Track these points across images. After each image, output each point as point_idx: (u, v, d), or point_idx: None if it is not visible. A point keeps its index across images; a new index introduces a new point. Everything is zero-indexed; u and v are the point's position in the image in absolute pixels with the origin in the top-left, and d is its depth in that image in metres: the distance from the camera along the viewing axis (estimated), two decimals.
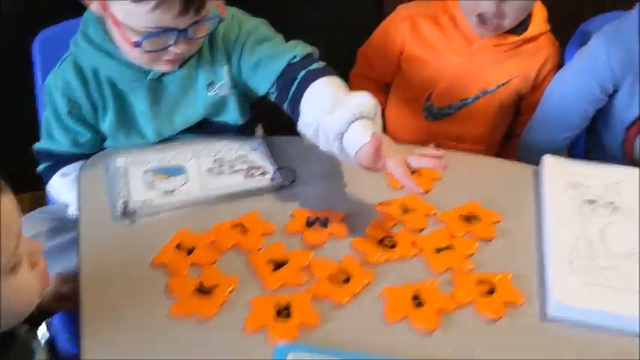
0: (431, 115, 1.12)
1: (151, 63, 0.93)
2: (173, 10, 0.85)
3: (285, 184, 0.94)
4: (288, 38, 0.98)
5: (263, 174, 0.95)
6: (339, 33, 1.41)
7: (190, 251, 0.81)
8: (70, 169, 1.02)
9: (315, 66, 0.91)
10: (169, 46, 0.89)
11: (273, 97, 0.96)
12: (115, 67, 0.95)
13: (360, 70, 1.23)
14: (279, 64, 0.93)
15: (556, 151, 1.07)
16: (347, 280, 0.77)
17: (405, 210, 0.88)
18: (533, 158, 1.01)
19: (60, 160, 1.02)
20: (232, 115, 1.01)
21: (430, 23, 1.11)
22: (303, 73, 0.91)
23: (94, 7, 0.91)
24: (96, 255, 0.82)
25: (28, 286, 0.63)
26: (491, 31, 1.05)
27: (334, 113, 0.82)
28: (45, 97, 1.01)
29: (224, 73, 0.98)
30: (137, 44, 0.87)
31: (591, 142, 1.15)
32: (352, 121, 0.80)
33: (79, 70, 0.97)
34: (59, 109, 0.98)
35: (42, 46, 1.12)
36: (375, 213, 0.89)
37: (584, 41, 1.10)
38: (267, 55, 0.95)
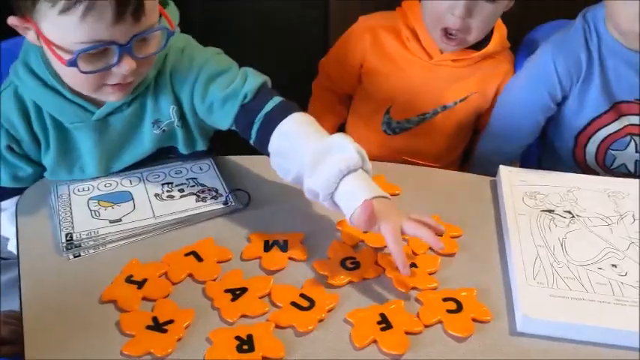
0: (390, 129, 1.11)
1: (96, 89, 0.85)
2: (105, 17, 0.76)
3: (240, 207, 0.90)
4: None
5: (215, 197, 0.91)
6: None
7: (141, 284, 0.76)
8: (8, 204, 0.95)
9: (271, 105, 0.86)
10: (112, 65, 0.80)
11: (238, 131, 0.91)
12: (57, 104, 0.88)
13: (321, 81, 1.21)
14: (232, 108, 0.88)
15: (510, 160, 1.08)
16: (310, 306, 0.74)
17: None
18: (487, 168, 1.00)
19: None
20: (181, 145, 0.96)
21: (391, 35, 1.09)
22: (261, 116, 0.85)
23: (30, 37, 0.82)
24: (39, 293, 0.76)
25: None
26: (455, 46, 1.04)
27: (318, 171, 0.77)
28: None
29: (171, 113, 0.92)
30: (71, 62, 0.78)
31: (543, 149, 1.16)
32: (340, 180, 0.76)
33: (21, 103, 0.89)
34: None
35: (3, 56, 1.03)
36: (335, 233, 0.86)
37: (531, 50, 1.11)
38: (218, 98, 0.88)
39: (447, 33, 1.02)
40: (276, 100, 0.87)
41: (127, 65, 0.80)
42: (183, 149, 0.97)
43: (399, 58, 1.09)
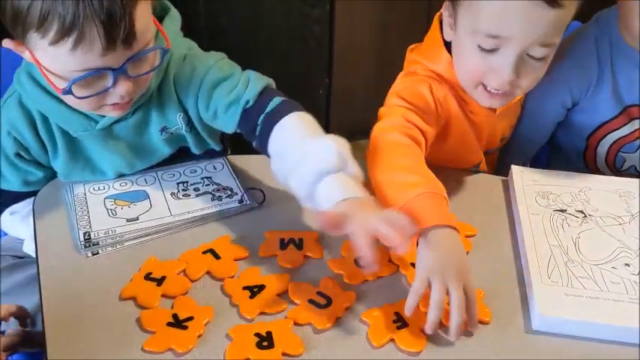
0: None
1: (95, 109, 0.84)
2: (95, 47, 0.74)
3: (254, 205, 0.91)
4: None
5: (230, 196, 0.92)
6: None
7: (160, 281, 0.77)
8: (19, 207, 0.96)
9: (271, 106, 0.85)
10: (108, 88, 0.79)
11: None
12: (62, 113, 0.87)
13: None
14: (235, 113, 0.87)
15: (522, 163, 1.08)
16: (328, 304, 0.75)
17: None
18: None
19: (9, 198, 0.96)
20: (192, 146, 0.97)
21: (449, 97, 0.95)
22: (261, 117, 0.85)
23: (26, 57, 0.81)
24: (59, 291, 0.76)
25: None
26: (502, 101, 0.92)
27: (298, 172, 0.76)
28: None
29: (178, 120, 0.92)
30: (65, 91, 0.78)
31: (552, 151, 1.16)
32: (317, 182, 0.75)
33: (26, 111, 0.89)
34: (6, 149, 0.91)
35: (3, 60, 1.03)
36: None
37: None
38: (222, 104, 0.88)
39: (488, 89, 0.89)
40: (277, 100, 0.86)
41: (124, 87, 0.80)
42: (195, 150, 0.97)
43: (463, 118, 0.96)
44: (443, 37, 0.94)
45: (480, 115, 0.96)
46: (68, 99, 0.82)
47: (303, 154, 0.77)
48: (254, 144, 0.89)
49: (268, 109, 0.85)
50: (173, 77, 0.90)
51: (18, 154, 0.91)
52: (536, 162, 1.18)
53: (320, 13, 1.80)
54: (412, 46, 1.01)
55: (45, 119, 0.89)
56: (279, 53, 1.79)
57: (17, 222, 0.95)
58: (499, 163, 1.12)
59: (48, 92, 0.86)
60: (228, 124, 0.90)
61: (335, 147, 0.77)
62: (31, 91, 0.87)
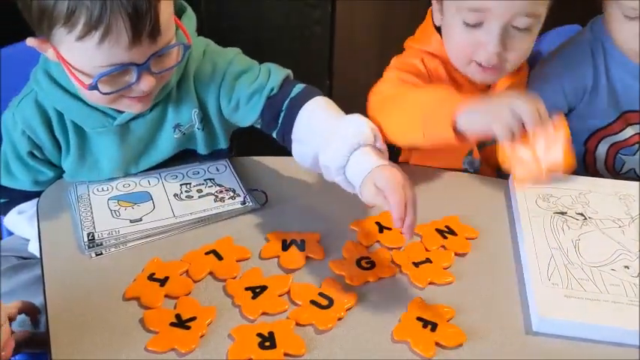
0: (472, 168, 1.05)
1: (116, 104, 0.86)
2: (122, 41, 0.76)
3: (257, 207, 0.91)
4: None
5: (233, 197, 0.93)
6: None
7: (163, 282, 0.78)
8: (27, 207, 0.97)
9: (295, 91, 0.89)
10: (131, 84, 0.81)
11: (259, 127, 0.94)
12: (79, 110, 0.88)
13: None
14: (259, 102, 0.91)
15: None
16: (329, 304, 0.76)
17: (381, 228, 0.88)
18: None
19: (18, 197, 0.97)
20: (200, 146, 0.98)
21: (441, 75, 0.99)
22: (286, 103, 0.88)
23: (49, 55, 0.82)
24: (63, 291, 0.77)
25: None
26: (494, 76, 0.95)
27: (331, 146, 0.79)
28: (2, 132, 0.94)
29: (193, 117, 0.93)
30: (92, 87, 0.79)
31: None
32: (351, 154, 0.78)
33: (41, 110, 0.89)
34: (19, 148, 0.92)
35: (3, 63, 1.05)
36: (349, 233, 0.88)
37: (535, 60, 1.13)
38: (244, 95, 0.91)
39: (481, 64, 0.92)
40: (300, 86, 0.90)
41: (147, 83, 0.81)
42: (202, 150, 0.98)
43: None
44: (434, 23, 0.97)
45: (469, 93, 0.96)
46: (92, 95, 0.83)
47: (336, 129, 0.81)
48: (274, 133, 0.92)
49: (293, 94, 0.89)
50: (193, 73, 0.92)
51: (31, 153, 0.92)
52: None
53: (321, 14, 1.80)
54: (409, 38, 1.05)
55: (61, 117, 0.90)
56: (279, 54, 1.79)
57: (24, 221, 0.96)
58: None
59: (65, 90, 0.87)
60: (250, 115, 0.92)
61: (368, 122, 0.81)
62: (47, 89, 0.88)
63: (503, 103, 0.79)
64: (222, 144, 0.99)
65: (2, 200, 0.98)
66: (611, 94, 1.02)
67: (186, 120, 0.93)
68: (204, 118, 0.95)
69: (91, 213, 0.88)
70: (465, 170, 1.04)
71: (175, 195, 0.92)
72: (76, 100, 0.87)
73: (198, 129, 0.95)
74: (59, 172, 0.95)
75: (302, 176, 0.99)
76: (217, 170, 0.99)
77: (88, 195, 0.91)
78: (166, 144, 0.95)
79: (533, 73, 1.07)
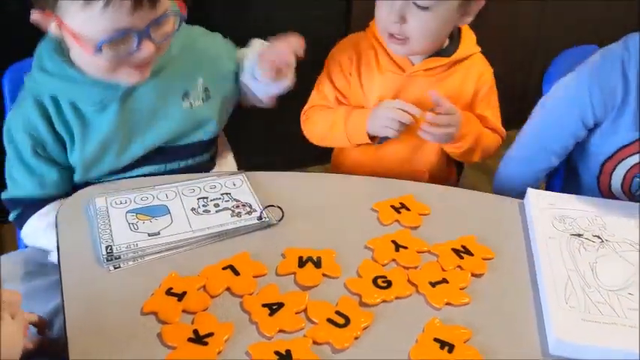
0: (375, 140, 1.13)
1: (117, 72, 0.91)
2: (125, 5, 0.83)
3: (273, 222, 0.92)
4: None
5: (249, 213, 0.93)
6: None
7: (181, 297, 0.78)
8: (46, 210, 0.98)
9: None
10: (133, 51, 0.88)
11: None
12: (80, 89, 0.93)
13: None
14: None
15: (533, 184, 1.09)
16: (346, 323, 0.76)
17: (397, 247, 0.88)
18: (510, 191, 1.02)
19: (27, 206, 0.98)
20: (203, 130, 1.03)
21: (371, 52, 1.12)
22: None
23: (52, 29, 0.89)
24: (81, 304, 0.77)
25: (13, 337, 0.61)
26: (402, 47, 1.06)
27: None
28: (5, 140, 0.96)
29: (198, 85, 1.00)
30: (97, 50, 0.86)
31: (567, 175, 1.17)
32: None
33: (39, 105, 0.94)
34: (21, 148, 0.95)
35: (12, 79, 1.07)
36: (365, 251, 0.88)
37: (557, 76, 1.13)
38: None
39: (391, 35, 1.05)
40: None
41: (147, 49, 0.88)
42: (209, 129, 1.03)
43: (376, 72, 1.11)
44: None
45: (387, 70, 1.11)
46: (94, 64, 0.89)
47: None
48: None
49: None
50: (201, 46, 1.03)
51: (34, 151, 0.94)
52: (551, 186, 1.18)
53: (335, 14, 1.81)
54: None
55: (59, 109, 0.94)
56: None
57: (41, 231, 0.97)
58: (508, 169, 1.13)
59: (61, 77, 0.93)
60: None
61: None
62: (42, 80, 0.93)
63: (377, 110, 1.06)
64: (223, 123, 1.08)
65: (15, 213, 0.99)
66: (636, 111, 1.01)
67: (193, 88, 1.01)
68: (207, 91, 1.02)
69: (109, 226, 0.89)
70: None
71: (193, 209, 0.93)
72: (74, 82, 0.93)
73: (203, 100, 1.02)
74: (64, 174, 0.97)
75: (318, 192, 1.00)
76: (234, 185, 0.99)
77: (107, 208, 0.92)
78: (175, 114, 0.99)
79: (561, 80, 1.08)
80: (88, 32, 0.85)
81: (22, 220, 1.00)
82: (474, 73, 1.12)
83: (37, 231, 0.98)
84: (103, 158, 0.98)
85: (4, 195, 0.99)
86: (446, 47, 1.10)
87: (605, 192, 1.10)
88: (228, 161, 1.13)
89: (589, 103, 1.02)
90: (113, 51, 0.87)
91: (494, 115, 1.15)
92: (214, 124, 1.04)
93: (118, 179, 1.00)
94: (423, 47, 1.07)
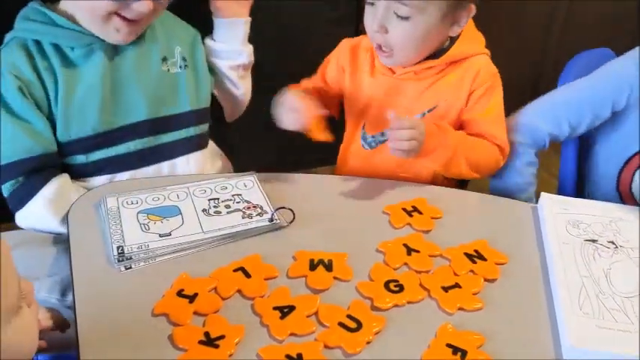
0: (366, 144, 1.10)
1: (109, 23, 0.94)
2: None
3: (284, 224, 0.91)
4: None
5: (260, 214, 0.93)
6: None
7: (192, 298, 0.78)
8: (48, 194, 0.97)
9: None
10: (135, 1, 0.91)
11: None
12: (65, 33, 0.96)
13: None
14: None
15: (542, 148, 1.10)
16: (357, 327, 0.75)
17: (409, 251, 0.87)
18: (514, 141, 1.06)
19: (26, 169, 0.95)
20: (184, 98, 1.05)
21: (366, 54, 1.10)
22: None
23: None
24: (93, 304, 0.77)
25: (31, 327, 0.61)
26: (389, 59, 1.03)
27: None
28: None
29: (176, 53, 1.04)
30: None
31: (586, 177, 1.16)
32: None
33: (23, 47, 0.96)
34: (6, 93, 0.94)
35: None
36: (376, 254, 0.87)
37: (572, 77, 1.13)
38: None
39: (379, 46, 1.02)
40: None
41: (145, 5, 0.92)
42: (186, 102, 1.05)
43: (368, 74, 1.09)
44: None
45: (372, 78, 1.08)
46: (87, 5, 0.93)
47: None
48: None
49: None
50: (173, 23, 1.08)
51: (20, 92, 0.94)
52: (564, 190, 1.17)
53: (346, 15, 1.80)
54: None
55: (41, 50, 0.96)
56: (305, 57, 1.79)
57: (41, 209, 0.96)
58: (522, 117, 1.11)
59: (47, 23, 0.96)
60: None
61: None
62: (32, 27, 0.96)
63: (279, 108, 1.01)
64: (204, 99, 1.09)
65: (11, 182, 0.96)
66: None
67: (172, 55, 1.05)
68: (188, 61, 1.07)
69: (121, 226, 0.88)
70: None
71: (204, 210, 0.93)
72: (60, 27, 0.96)
73: (181, 67, 1.05)
74: (49, 128, 0.97)
75: (329, 194, 0.99)
76: (245, 186, 0.99)
77: (118, 208, 0.92)
78: (155, 73, 1.02)
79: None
80: None
81: (22, 193, 0.96)
82: (471, 74, 1.05)
83: (40, 216, 0.97)
84: (86, 111, 0.98)
85: None
86: (440, 50, 1.04)
87: (624, 194, 1.09)
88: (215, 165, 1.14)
89: (632, 74, 1.01)
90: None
91: (487, 118, 1.05)
92: (193, 95, 1.07)
93: (110, 157, 1.02)
94: (409, 58, 1.03)
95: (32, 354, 0.62)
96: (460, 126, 1.07)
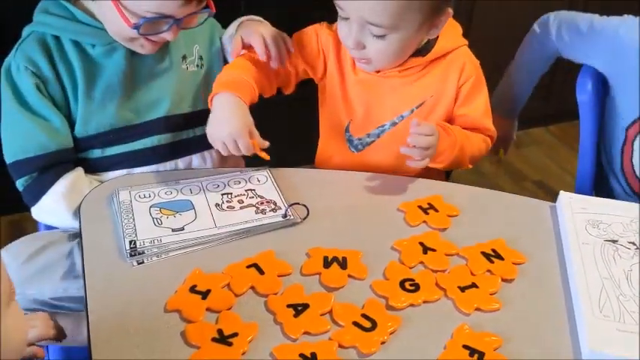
0: (353, 147, 1.07)
1: (132, 42, 0.95)
2: None
3: (298, 220, 0.90)
4: None
5: (274, 210, 0.92)
6: None
7: (205, 295, 0.77)
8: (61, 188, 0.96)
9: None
10: (162, 32, 0.92)
11: None
12: (87, 30, 0.95)
13: None
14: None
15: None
16: (372, 327, 0.74)
17: (425, 249, 0.86)
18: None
19: (41, 165, 0.95)
20: (200, 96, 1.04)
21: (346, 49, 1.03)
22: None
23: None
24: (104, 299, 0.77)
25: (21, 321, 0.60)
26: (369, 67, 1.00)
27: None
28: (3, 84, 0.94)
29: (194, 51, 1.05)
30: (136, 26, 0.90)
31: (598, 178, 1.15)
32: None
33: (42, 42, 0.95)
34: (23, 89, 0.93)
35: None
36: (391, 252, 0.86)
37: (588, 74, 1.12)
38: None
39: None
40: None
41: (173, 34, 0.94)
42: (203, 98, 1.03)
43: (350, 72, 1.04)
44: None
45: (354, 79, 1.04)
46: (116, 28, 0.93)
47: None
48: None
49: None
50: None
51: (37, 89, 0.93)
52: (583, 189, 1.16)
53: None
54: None
55: (60, 46, 0.95)
56: None
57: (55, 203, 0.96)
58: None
59: (74, 18, 0.95)
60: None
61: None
62: (54, 23, 0.94)
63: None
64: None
65: (25, 177, 0.95)
66: None
67: (190, 53, 1.04)
68: (204, 59, 1.06)
69: (133, 220, 0.88)
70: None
71: (217, 205, 0.92)
72: (82, 24, 0.95)
73: (198, 66, 1.05)
74: (65, 125, 0.96)
75: (343, 190, 0.98)
76: (258, 181, 0.98)
77: (130, 201, 0.91)
78: (174, 72, 1.02)
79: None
80: (133, 7, 0.89)
81: (36, 188, 0.95)
82: (456, 68, 1.03)
83: (54, 210, 0.97)
84: (105, 109, 0.97)
85: (9, 159, 0.95)
86: (424, 45, 1.01)
87: (628, 167, 1.08)
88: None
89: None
90: (146, 29, 0.91)
91: (479, 112, 1.05)
92: (208, 93, 1.02)
93: (126, 152, 1.01)
94: (390, 66, 1.00)
95: (21, 351, 0.61)
96: (451, 119, 1.05)
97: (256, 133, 0.93)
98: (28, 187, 0.96)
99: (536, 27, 1.21)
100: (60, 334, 0.81)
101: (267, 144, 0.93)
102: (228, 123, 0.92)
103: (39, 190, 0.96)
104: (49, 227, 1.03)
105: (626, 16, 1.09)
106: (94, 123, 0.98)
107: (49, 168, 0.95)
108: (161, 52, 1.00)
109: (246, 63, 1.01)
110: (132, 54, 0.98)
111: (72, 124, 0.97)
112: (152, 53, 0.98)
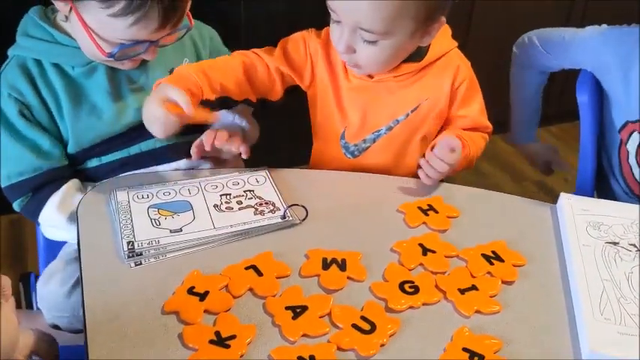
0: (349, 153, 1.06)
1: (111, 62, 0.94)
2: (151, 26, 0.87)
3: (297, 222, 0.90)
4: None
5: (273, 211, 0.91)
6: None
7: (203, 296, 0.76)
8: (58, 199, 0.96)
9: None
10: (139, 53, 0.93)
11: None
12: (65, 51, 0.94)
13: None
14: None
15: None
16: (371, 329, 0.73)
17: (425, 251, 0.85)
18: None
19: (35, 185, 0.95)
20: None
21: (337, 55, 1.01)
22: None
23: (59, 5, 0.90)
24: (102, 300, 0.76)
25: (9, 320, 0.61)
26: (360, 71, 0.99)
27: None
28: None
29: (184, 63, 1.02)
30: (111, 55, 0.90)
31: (599, 172, 1.14)
32: None
33: (23, 68, 0.94)
34: (8, 115, 0.93)
35: None
36: (390, 254, 0.85)
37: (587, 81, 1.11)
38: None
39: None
40: None
41: (151, 54, 0.94)
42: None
43: (343, 78, 1.03)
44: None
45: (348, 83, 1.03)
46: (92, 52, 0.92)
47: None
48: None
49: None
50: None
51: (22, 115, 0.93)
52: (583, 190, 1.15)
53: None
54: None
55: (41, 69, 0.94)
56: None
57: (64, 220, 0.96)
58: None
59: (52, 39, 0.95)
60: None
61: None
62: (32, 46, 0.94)
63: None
64: None
65: (21, 200, 0.96)
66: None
67: (177, 65, 1.00)
68: None
69: (131, 221, 0.87)
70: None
71: (215, 206, 0.91)
72: (60, 45, 0.95)
73: None
74: (56, 144, 0.96)
75: (342, 191, 0.97)
76: (257, 182, 0.97)
77: (128, 202, 0.91)
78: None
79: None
80: (105, 35, 0.89)
81: (32, 205, 0.96)
82: (450, 70, 1.03)
83: (54, 223, 0.97)
84: (95, 124, 0.97)
85: (4, 183, 0.96)
86: (416, 51, 0.99)
87: (625, 167, 1.08)
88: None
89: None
90: (122, 54, 0.91)
91: (477, 111, 1.06)
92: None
93: (121, 158, 1.01)
94: (379, 71, 0.99)
95: (11, 349, 0.60)
96: (447, 120, 1.06)
97: (183, 100, 0.88)
98: (25, 208, 0.98)
99: (515, 49, 1.24)
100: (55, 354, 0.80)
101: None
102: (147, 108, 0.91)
103: (35, 207, 0.97)
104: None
105: (588, 27, 1.12)
106: (85, 139, 0.97)
107: (43, 186, 0.96)
108: (145, 66, 0.99)
109: (221, 64, 0.99)
110: (113, 71, 0.97)
111: (65, 143, 0.97)
112: (135, 66, 0.97)
